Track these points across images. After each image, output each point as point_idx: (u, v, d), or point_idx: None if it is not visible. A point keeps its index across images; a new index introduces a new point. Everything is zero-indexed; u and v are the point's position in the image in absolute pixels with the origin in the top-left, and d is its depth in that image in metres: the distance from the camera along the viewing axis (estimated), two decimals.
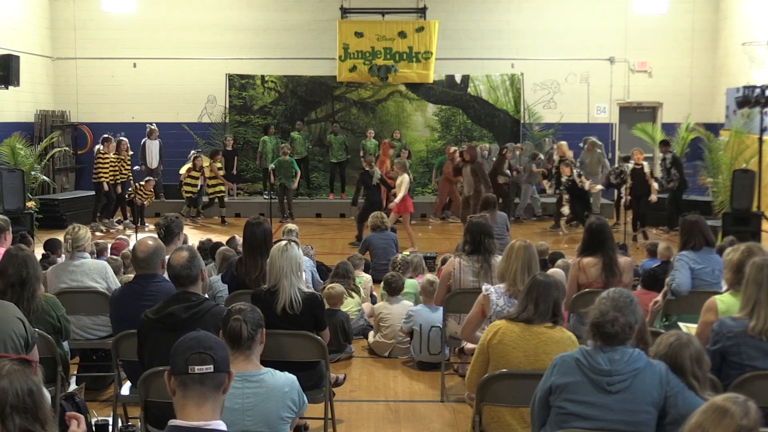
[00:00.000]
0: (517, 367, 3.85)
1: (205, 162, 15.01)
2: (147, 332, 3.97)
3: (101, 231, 13.68)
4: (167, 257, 4.57)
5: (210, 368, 2.48)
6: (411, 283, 7.64)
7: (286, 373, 3.41)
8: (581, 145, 15.43)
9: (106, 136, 14.83)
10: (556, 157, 14.22)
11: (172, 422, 2.48)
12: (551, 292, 3.96)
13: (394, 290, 7.13)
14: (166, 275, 4.57)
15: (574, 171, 13.36)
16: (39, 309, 4.46)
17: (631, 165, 12.97)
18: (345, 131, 17.03)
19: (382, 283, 7.40)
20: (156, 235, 5.40)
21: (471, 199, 12.63)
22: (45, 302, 4.68)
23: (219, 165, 15.37)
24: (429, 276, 6.95)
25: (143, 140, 15.60)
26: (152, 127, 15.90)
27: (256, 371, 3.33)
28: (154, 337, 3.90)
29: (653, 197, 12.71)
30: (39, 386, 2.46)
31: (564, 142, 14.72)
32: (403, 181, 11.92)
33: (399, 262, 8.04)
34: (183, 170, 15.13)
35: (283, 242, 4.65)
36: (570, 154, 14.33)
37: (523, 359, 3.85)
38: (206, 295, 5.76)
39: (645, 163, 12.91)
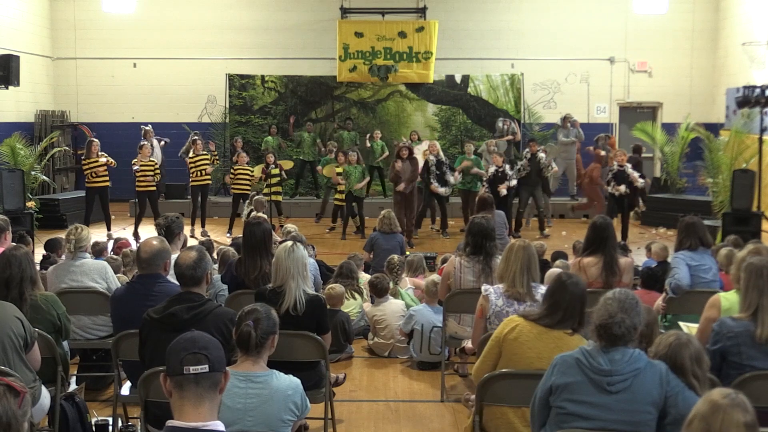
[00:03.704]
0: (528, 368, 3.81)
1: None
2: (149, 332, 3.97)
3: (207, 236, 12.16)
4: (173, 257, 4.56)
5: (205, 368, 2.48)
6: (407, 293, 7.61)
7: (291, 376, 3.41)
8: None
9: (195, 137, 13.76)
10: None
11: (170, 423, 2.48)
12: (579, 302, 3.83)
13: (380, 291, 7.12)
14: (168, 276, 4.58)
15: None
16: (28, 312, 4.44)
17: (615, 167, 11.98)
18: (353, 131, 16.92)
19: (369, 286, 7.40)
20: (162, 236, 5.38)
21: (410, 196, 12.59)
22: (45, 301, 4.68)
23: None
24: (434, 276, 6.93)
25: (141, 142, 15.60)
26: (147, 128, 15.89)
27: (260, 372, 3.34)
28: (155, 337, 3.89)
29: (621, 189, 11.67)
30: (19, 418, 2.38)
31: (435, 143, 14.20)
32: None
33: (396, 263, 8.02)
34: (257, 171, 13.71)
35: (290, 243, 4.63)
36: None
37: (535, 360, 3.80)
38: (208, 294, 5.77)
39: (628, 165, 11.94)
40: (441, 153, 13.42)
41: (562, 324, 3.82)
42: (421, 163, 13.12)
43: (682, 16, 17.34)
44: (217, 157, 13.99)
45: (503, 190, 12.36)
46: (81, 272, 5.74)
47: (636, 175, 11.87)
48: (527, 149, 13.46)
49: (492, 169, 12.84)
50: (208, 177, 13.35)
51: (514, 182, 12.64)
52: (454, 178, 13.22)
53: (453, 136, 17.24)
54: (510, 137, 15.82)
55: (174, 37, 17.48)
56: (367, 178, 13.48)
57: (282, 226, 12.48)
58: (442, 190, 12.93)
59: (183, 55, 17.47)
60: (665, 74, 17.49)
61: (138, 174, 12.58)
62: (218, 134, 17.35)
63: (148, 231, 12.15)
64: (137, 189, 12.75)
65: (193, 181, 13.31)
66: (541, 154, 13.22)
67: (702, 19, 17.36)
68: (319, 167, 14.70)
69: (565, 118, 16.07)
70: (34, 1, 16.89)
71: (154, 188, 12.80)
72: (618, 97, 17.74)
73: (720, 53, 17.16)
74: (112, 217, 13.43)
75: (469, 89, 17.50)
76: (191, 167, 13.22)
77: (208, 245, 8.19)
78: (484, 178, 12.97)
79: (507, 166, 12.83)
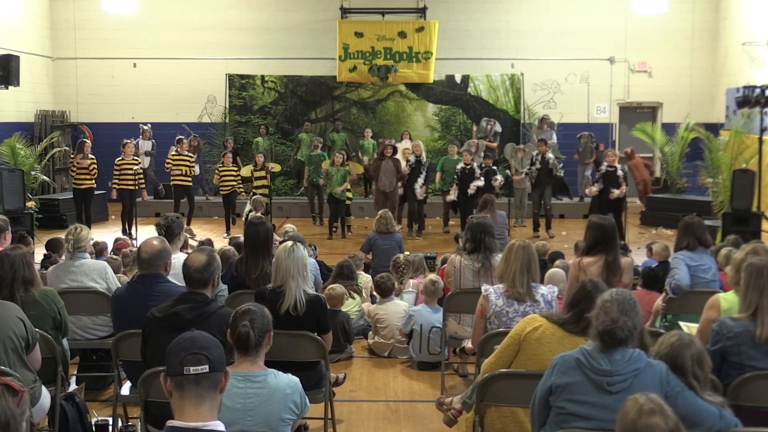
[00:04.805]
0: (544, 370, 3.79)
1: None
2: (151, 330, 3.97)
3: (191, 234, 11.95)
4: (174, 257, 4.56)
5: (205, 368, 2.48)
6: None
7: (290, 375, 3.41)
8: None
9: (179, 137, 14.06)
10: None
11: (170, 423, 2.48)
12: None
13: (384, 291, 7.13)
14: (169, 276, 4.58)
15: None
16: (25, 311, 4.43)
17: (604, 167, 11.94)
18: (345, 131, 17.01)
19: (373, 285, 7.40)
20: (163, 237, 5.38)
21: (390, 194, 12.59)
22: (44, 296, 4.68)
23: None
24: (432, 276, 6.93)
25: (136, 140, 15.65)
26: (145, 128, 15.92)
27: (259, 372, 3.34)
28: (157, 336, 3.88)
29: (616, 192, 11.57)
30: (18, 418, 2.39)
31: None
32: None
33: (402, 263, 8.02)
34: (245, 171, 14.18)
35: (290, 243, 4.63)
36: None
37: None
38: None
39: (619, 166, 11.88)
40: (423, 154, 13.47)
41: (585, 332, 3.80)
42: (403, 164, 13.11)
43: (682, 16, 17.35)
44: (193, 165, 13.95)
45: (471, 190, 12.50)
46: (81, 272, 5.73)
47: (622, 179, 11.79)
48: (537, 151, 13.43)
49: (460, 166, 12.94)
50: (186, 178, 13.40)
51: (481, 182, 12.66)
52: (435, 179, 13.43)
53: (453, 136, 17.23)
54: (493, 144, 15.86)
55: (174, 37, 17.48)
56: (346, 185, 13.25)
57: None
58: (419, 191, 12.93)
59: (183, 55, 17.47)
60: (665, 74, 17.50)
61: (126, 173, 12.73)
62: (218, 134, 17.35)
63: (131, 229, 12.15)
64: (119, 188, 12.89)
65: (172, 179, 13.47)
66: (550, 155, 13.27)
67: (702, 19, 17.37)
68: (306, 166, 14.73)
69: (543, 120, 16.04)
70: (34, 1, 16.88)
71: (134, 187, 12.87)
72: (618, 97, 17.75)
73: (720, 53, 17.16)
74: (111, 217, 13.46)
75: (469, 89, 17.51)
76: (167, 164, 13.35)
77: (207, 245, 8.17)
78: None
79: (475, 164, 12.95)
